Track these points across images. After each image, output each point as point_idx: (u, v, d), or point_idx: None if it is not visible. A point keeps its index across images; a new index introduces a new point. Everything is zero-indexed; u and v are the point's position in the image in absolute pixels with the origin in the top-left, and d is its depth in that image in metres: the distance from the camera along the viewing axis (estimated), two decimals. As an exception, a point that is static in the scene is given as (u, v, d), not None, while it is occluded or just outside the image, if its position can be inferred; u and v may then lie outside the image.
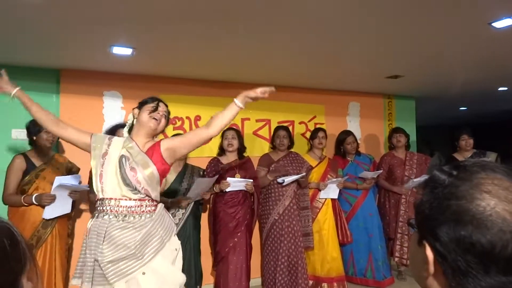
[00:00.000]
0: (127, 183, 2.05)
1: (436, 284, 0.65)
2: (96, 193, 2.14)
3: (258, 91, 2.11)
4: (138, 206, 2.07)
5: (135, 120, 2.24)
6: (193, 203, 3.44)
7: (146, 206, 2.10)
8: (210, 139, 2.22)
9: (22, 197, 2.88)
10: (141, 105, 2.24)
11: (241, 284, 3.47)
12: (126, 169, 2.07)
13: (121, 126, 3.33)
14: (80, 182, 3.07)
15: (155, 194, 2.15)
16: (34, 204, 2.88)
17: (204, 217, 3.85)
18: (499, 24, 2.65)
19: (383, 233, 4.36)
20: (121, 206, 2.06)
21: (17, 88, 2.18)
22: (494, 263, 0.57)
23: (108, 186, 2.07)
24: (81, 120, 3.64)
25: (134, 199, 2.07)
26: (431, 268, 0.64)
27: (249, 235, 3.64)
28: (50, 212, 2.92)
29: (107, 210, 2.06)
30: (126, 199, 2.06)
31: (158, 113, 2.19)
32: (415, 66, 3.90)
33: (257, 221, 3.91)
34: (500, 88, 5.20)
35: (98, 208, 2.11)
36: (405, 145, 4.54)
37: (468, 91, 5.28)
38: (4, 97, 2.22)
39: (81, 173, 3.28)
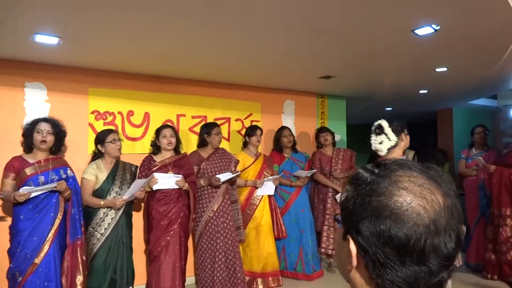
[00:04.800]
0: None
1: (358, 276, 0.68)
2: None
3: None
4: None
5: None
6: (125, 201, 3.31)
7: None
8: None
9: None
10: None
11: (174, 284, 3.40)
12: None
13: (45, 120, 3.11)
14: None
15: None
16: None
17: (136, 216, 3.73)
18: (420, 32, 2.86)
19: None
20: None
21: None
22: (409, 255, 0.61)
23: None
24: (-2, 113, 3.35)
25: None
26: (354, 261, 0.67)
27: (184, 234, 3.56)
28: None
29: None
30: None
31: None
32: (345, 68, 4.08)
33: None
34: (421, 91, 5.61)
35: None
36: (332, 142, 4.77)
37: (393, 93, 5.63)
38: None
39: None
